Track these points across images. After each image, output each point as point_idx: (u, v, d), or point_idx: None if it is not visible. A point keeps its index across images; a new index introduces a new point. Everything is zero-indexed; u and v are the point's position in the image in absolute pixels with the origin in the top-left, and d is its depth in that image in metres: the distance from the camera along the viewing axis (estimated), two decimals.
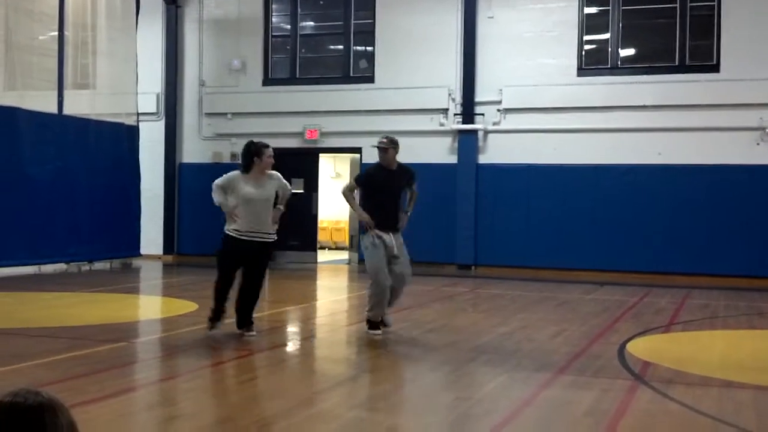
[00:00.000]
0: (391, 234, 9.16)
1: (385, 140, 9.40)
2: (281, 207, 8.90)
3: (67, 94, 16.24)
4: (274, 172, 8.90)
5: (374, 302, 9.09)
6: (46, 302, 12.10)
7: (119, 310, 11.66)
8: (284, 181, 8.99)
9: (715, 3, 16.61)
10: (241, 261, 8.69)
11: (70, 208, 16.10)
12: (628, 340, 8.97)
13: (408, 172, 9.55)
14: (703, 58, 16.82)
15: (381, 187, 9.30)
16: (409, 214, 9.42)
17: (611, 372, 7.28)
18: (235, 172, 8.79)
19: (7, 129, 14.78)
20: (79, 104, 16.68)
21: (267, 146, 8.84)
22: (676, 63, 16.96)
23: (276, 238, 8.90)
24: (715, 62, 16.59)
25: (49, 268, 16.20)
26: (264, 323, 9.86)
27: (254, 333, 8.79)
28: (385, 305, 9.14)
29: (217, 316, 8.80)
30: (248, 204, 8.59)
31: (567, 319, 10.73)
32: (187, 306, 11.07)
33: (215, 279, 8.81)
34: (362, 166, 18.50)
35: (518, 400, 6.31)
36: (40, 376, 6.67)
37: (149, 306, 12.91)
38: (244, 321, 8.83)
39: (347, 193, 9.52)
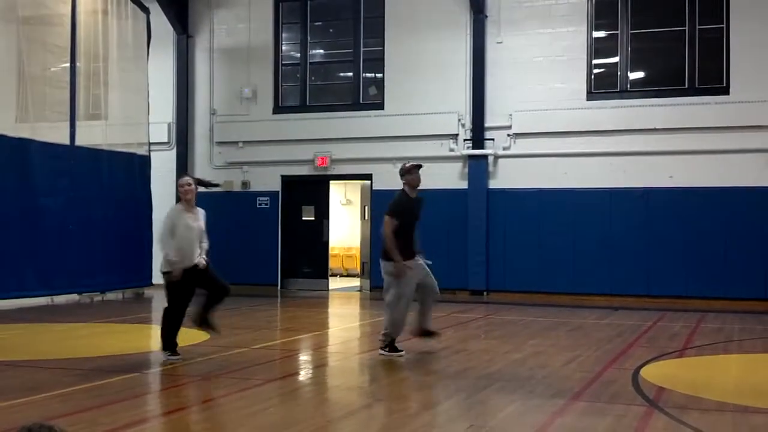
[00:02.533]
0: (414, 260, 9.30)
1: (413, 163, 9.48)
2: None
3: (79, 125, 16.31)
4: (200, 210, 9.20)
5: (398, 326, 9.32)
6: (59, 334, 12.11)
7: (131, 340, 11.66)
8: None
9: (724, 25, 16.62)
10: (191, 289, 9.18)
11: (83, 239, 16.13)
12: (643, 365, 8.91)
13: (420, 197, 9.63)
14: (712, 81, 16.80)
15: (410, 215, 9.31)
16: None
17: (626, 398, 7.23)
18: (174, 205, 9.34)
19: (20, 161, 14.87)
20: (91, 135, 16.75)
21: (183, 176, 9.47)
22: (686, 86, 16.94)
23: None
24: (724, 84, 16.58)
25: (61, 299, 16.22)
26: (276, 352, 9.84)
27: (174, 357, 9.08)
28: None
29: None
30: (186, 231, 8.93)
31: (580, 344, 10.68)
32: (199, 336, 11.01)
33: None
34: (373, 192, 18.57)
35: (532, 428, 6.26)
36: (53, 409, 6.67)
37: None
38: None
39: (391, 233, 9.13)
